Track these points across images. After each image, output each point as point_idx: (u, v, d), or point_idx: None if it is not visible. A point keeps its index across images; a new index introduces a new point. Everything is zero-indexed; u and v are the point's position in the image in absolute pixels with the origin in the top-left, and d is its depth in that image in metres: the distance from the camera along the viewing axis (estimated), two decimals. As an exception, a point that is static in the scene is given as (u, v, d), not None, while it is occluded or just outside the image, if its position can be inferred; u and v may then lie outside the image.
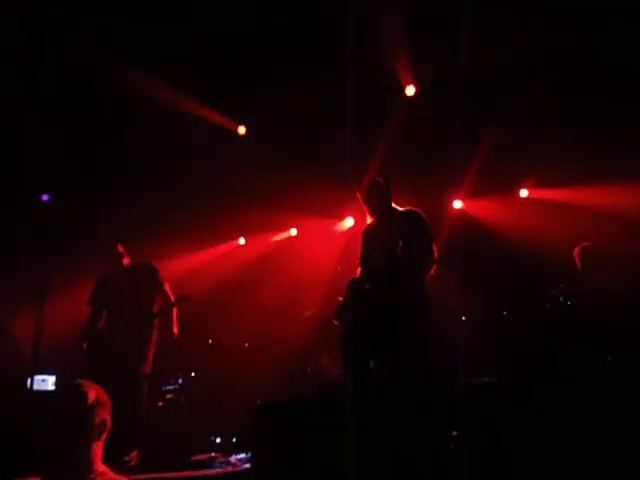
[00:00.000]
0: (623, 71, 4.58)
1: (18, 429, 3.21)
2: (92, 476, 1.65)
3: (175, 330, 4.05)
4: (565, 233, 5.02)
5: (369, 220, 3.64)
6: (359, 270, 3.56)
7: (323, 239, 5.95)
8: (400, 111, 5.20)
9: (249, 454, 3.72)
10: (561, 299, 4.69)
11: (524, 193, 5.55)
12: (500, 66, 4.77)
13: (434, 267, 3.40)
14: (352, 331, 3.32)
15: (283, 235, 6.38)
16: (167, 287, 4.13)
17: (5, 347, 5.05)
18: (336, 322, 3.45)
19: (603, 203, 4.99)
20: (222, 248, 6.39)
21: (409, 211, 3.52)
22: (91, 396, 1.70)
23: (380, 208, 3.52)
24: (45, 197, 5.76)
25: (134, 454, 3.55)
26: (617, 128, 4.79)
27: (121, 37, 4.42)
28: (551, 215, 5.28)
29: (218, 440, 4.15)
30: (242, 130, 5.77)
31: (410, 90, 5.19)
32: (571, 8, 4.27)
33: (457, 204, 5.68)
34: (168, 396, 4.59)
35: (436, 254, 3.39)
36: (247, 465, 3.62)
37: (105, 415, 1.72)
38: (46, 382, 4.80)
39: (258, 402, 3.50)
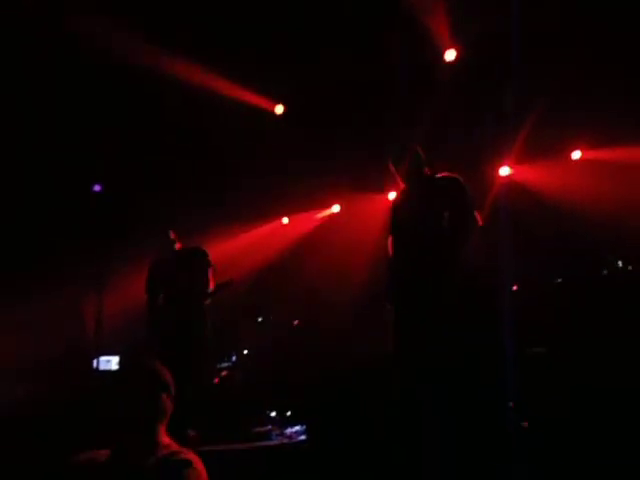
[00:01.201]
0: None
1: (87, 407, 3.43)
2: (158, 448, 1.75)
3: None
4: (621, 195, 4.76)
5: (400, 189, 3.55)
6: (390, 239, 3.48)
7: (367, 214, 5.91)
8: (441, 76, 5.03)
9: (304, 426, 3.83)
10: (620, 264, 4.48)
11: (577, 155, 5.28)
12: (547, 23, 4.49)
13: (476, 235, 3.29)
14: (402, 313, 3.28)
15: (326, 212, 6.38)
16: (212, 272, 4.21)
17: (75, 330, 5.37)
18: (388, 305, 3.42)
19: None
20: (266, 228, 6.47)
21: (446, 177, 3.39)
22: (160, 376, 1.79)
23: (414, 176, 3.41)
24: (97, 187, 5.95)
25: (195, 430, 3.72)
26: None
27: (152, 20, 4.42)
28: (606, 177, 5.00)
29: (273, 414, 4.28)
30: (280, 109, 5.75)
31: (450, 54, 4.99)
32: None
33: (504, 171, 5.48)
34: (223, 373, 4.77)
35: (479, 221, 3.28)
36: (302, 437, 3.73)
37: (169, 395, 1.81)
38: (110, 362, 5.09)
39: (309, 378, 3.57)
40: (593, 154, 5.19)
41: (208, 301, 4.16)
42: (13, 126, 4.76)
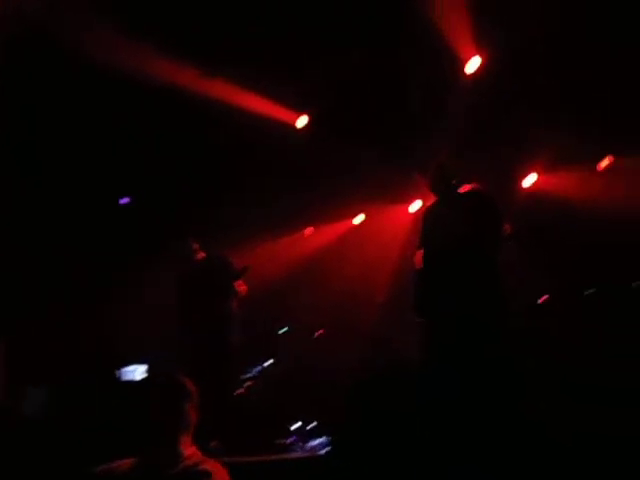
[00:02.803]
0: None
1: (112, 417, 3.46)
2: (181, 459, 1.75)
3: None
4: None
5: (431, 201, 3.55)
6: (420, 253, 3.46)
7: (391, 224, 5.87)
8: (464, 86, 4.99)
9: (328, 439, 3.79)
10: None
11: (605, 163, 5.14)
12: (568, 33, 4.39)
13: (504, 246, 3.26)
14: (434, 327, 3.25)
15: (350, 222, 6.37)
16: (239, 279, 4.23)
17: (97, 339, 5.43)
18: (418, 318, 3.40)
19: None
20: (289, 239, 6.48)
21: (475, 189, 3.38)
22: (185, 387, 1.81)
23: (443, 188, 3.42)
24: (124, 200, 6.01)
25: (217, 440, 3.72)
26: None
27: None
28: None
29: (296, 426, 4.26)
30: (303, 121, 5.75)
31: (473, 64, 4.94)
32: None
33: (530, 179, 5.40)
34: (247, 384, 4.77)
35: (506, 232, 3.25)
36: (325, 450, 3.69)
37: (194, 405, 1.82)
38: (134, 372, 5.11)
39: (333, 389, 3.54)
40: (622, 162, 5.05)
41: (235, 307, 4.17)
42: (46, 143, 4.89)
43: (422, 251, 3.45)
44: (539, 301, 4.76)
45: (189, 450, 1.79)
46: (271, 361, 5.00)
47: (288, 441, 4.04)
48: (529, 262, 4.56)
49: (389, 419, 3.03)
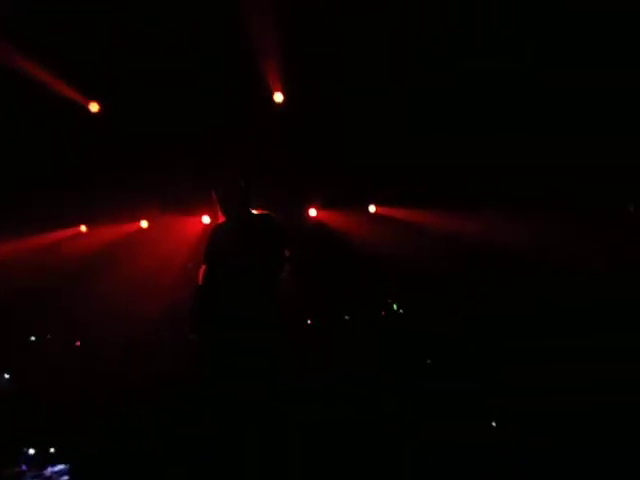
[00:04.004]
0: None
1: None
2: None
3: None
4: (404, 250, 5.53)
5: (221, 220, 3.59)
6: (203, 268, 3.47)
7: (175, 235, 5.72)
8: (265, 116, 5.22)
9: (68, 466, 3.44)
10: (395, 307, 5.24)
11: (372, 209, 5.96)
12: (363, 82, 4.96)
13: (285, 269, 3.48)
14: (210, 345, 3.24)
15: (132, 226, 5.99)
16: None
17: None
18: (192, 336, 3.34)
19: (439, 226, 5.59)
20: (60, 234, 5.77)
21: (263, 215, 3.55)
22: None
23: (236, 210, 3.50)
24: None
25: None
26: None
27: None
28: (398, 232, 5.72)
29: (32, 451, 3.75)
30: (94, 108, 5.27)
31: (278, 97, 5.22)
32: None
33: (312, 212, 5.91)
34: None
35: (287, 256, 3.48)
36: (65, 478, 3.38)
37: None
38: None
39: (83, 408, 3.23)
40: (385, 210, 5.93)
41: None
42: None
43: (204, 267, 3.44)
44: (308, 322, 5.21)
45: None
46: (6, 375, 4.31)
47: (19, 469, 3.54)
48: (302, 285, 4.97)
49: (138, 444, 2.90)
